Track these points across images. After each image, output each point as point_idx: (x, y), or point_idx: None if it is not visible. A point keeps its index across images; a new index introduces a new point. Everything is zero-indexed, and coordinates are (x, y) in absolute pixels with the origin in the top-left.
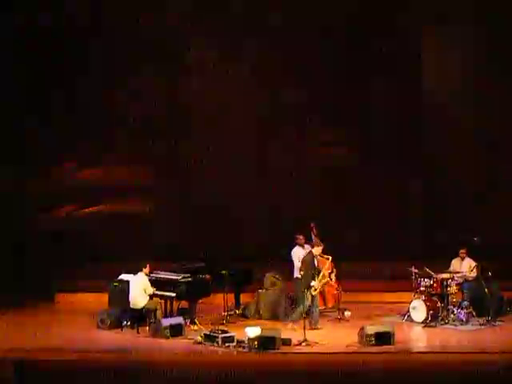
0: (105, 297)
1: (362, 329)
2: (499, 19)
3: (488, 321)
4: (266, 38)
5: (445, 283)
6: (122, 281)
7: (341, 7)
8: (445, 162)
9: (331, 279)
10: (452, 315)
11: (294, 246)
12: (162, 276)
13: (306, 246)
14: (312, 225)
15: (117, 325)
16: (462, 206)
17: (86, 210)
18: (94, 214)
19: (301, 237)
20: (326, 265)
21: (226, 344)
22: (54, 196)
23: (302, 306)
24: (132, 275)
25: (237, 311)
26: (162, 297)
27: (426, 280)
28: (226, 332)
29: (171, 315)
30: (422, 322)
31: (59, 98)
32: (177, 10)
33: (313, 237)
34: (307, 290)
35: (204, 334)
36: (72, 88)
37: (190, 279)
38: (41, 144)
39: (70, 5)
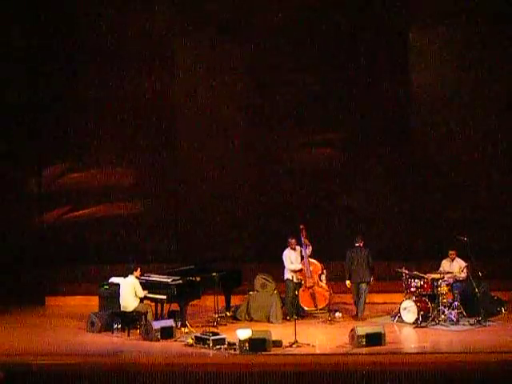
0: (95, 300)
1: (353, 330)
2: (485, 17)
3: (478, 321)
4: (256, 39)
5: (435, 284)
6: (112, 284)
7: (327, 8)
8: (435, 160)
9: (321, 280)
10: (443, 315)
11: (285, 248)
12: (152, 279)
13: (297, 247)
14: (301, 227)
15: (107, 328)
16: (452, 205)
17: (76, 212)
18: (84, 216)
19: (293, 241)
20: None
21: (217, 346)
22: (44, 198)
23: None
24: (122, 278)
25: (227, 313)
26: (152, 299)
27: (416, 281)
28: (216, 334)
29: (162, 318)
30: (413, 323)
31: (49, 100)
32: (164, 9)
33: (302, 239)
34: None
35: (195, 337)
36: (63, 91)
37: (180, 282)
38: (31, 146)
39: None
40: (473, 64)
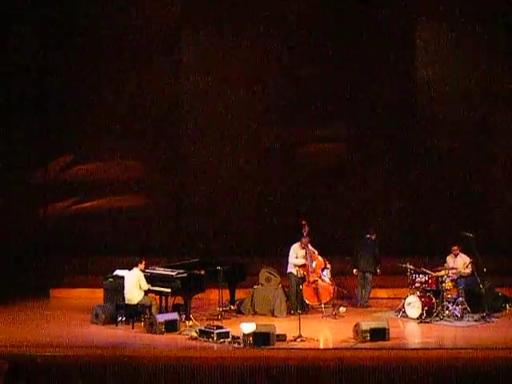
0: (100, 292)
1: (357, 325)
2: (487, 14)
3: (483, 317)
4: (261, 34)
5: (440, 279)
6: (117, 276)
7: (333, 4)
8: (440, 156)
9: (324, 275)
10: (447, 311)
11: (293, 242)
12: (157, 272)
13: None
14: (303, 222)
15: (112, 320)
16: (455, 200)
17: (81, 204)
18: (89, 208)
19: (305, 240)
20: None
21: (221, 340)
22: (49, 190)
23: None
24: (127, 271)
25: (232, 307)
26: (157, 292)
27: (421, 276)
28: (221, 328)
29: (166, 311)
30: (417, 318)
31: (55, 93)
32: (171, 5)
33: (304, 233)
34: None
35: (199, 330)
36: (68, 83)
37: (184, 275)
38: (37, 139)
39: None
40: (477, 60)
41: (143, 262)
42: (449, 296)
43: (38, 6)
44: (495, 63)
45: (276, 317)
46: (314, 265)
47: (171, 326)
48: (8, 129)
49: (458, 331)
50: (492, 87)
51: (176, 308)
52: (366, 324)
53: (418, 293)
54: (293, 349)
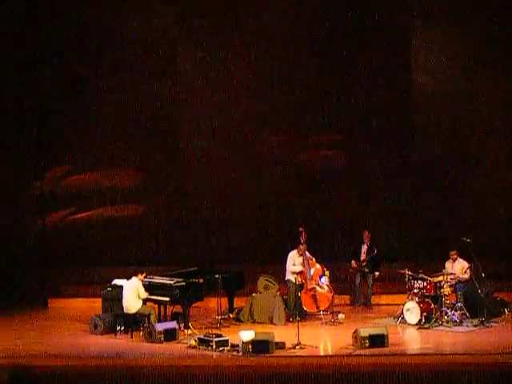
0: (98, 302)
1: (356, 331)
2: (487, 14)
3: (482, 322)
4: (257, 42)
5: (438, 285)
6: (115, 286)
7: (329, 10)
8: (438, 160)
9: (322, 282)
10: (446, 317)
11: (291, 249)
12: (155, 281)
13: (306, 252)
14: (301, 229)
15: (110, 330)
16: (456, 205)
17: (79, 214)
18: (87, 218)
19: (303, 247)
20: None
21: (220, 348)
22: (47, 200)
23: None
24: (125, 280)
25: (230, 315)
26: (155, 301)
27: (419, 282)
28: (219, 336)
29: (165, 320)
30: (416, 324)
31: (52, 103)
32: (165, 12)
33: (301, 240)
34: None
35: (198, 339)
36: (65, 93)
37: (183, 283)
38: (34, 149)
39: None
40: (475, 63)
41: (144, 274)
42: (447, 301)
43: (36, 15)
44: (491, 68)
45: (275, 324)
46: (311, 272)
47: (170, 335)
48: (5, 139)
49: (457, 337)
50: (488, 92)
51: (175, 317)
52: (365, 330)
53: (417, 299)
54: (292, 356)
